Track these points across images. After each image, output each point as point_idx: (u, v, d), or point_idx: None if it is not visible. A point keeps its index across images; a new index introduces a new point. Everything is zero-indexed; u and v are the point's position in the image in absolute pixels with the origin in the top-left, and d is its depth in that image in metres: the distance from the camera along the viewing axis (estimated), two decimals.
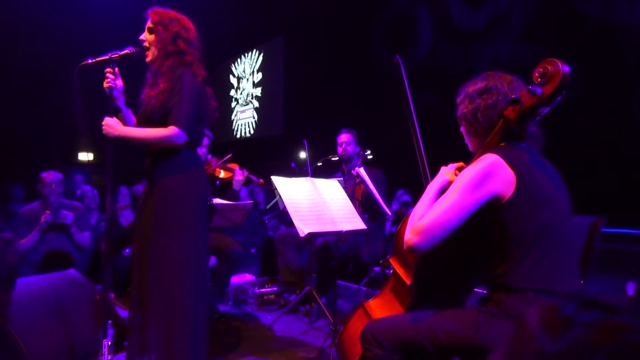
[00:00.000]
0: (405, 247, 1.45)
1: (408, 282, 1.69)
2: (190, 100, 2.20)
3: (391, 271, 1.86)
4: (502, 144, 1.51)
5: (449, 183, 1.61)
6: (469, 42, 4.95)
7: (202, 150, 3.67)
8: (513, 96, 1.44)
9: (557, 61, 1.37)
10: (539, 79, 1.40)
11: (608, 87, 3.81)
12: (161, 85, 2.23)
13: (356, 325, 1.85)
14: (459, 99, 1.63)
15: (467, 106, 1.57)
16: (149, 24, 2.31)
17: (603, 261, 2.51)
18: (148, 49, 2.31)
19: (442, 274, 1.69)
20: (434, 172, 1.74)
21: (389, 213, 3.36)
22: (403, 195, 4.77)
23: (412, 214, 1.54)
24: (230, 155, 3.86)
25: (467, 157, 1.64)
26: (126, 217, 5.00)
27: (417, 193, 1.73)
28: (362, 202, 3.80)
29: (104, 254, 2.21)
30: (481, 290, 1.92)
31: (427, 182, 1.92)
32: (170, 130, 2.16)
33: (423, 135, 2.00)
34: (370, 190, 3.36)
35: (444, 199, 1.44)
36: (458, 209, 1.40)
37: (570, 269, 1.45)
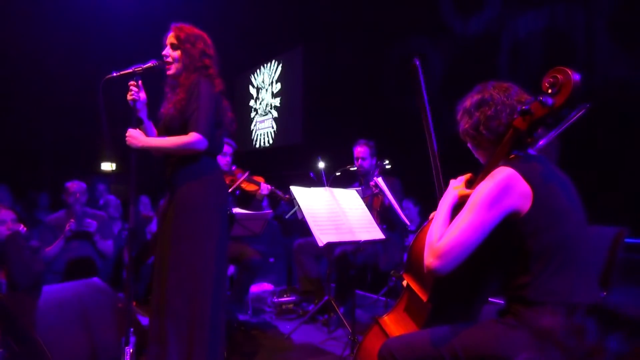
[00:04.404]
0: (426, 271, 1.43)
1: (424, 298, 1.67)
2: (209, 106, 2.25)
3: (405, 285, 1.84)
4: (512, 156, 1.49)
5: (460, 197, 1.60)
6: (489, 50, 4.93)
7: (225, 159, 3.73)
8: (524, 107, 1.41)
9: (568, 70, 1.34)
10: (549, 89, 1.36)
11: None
12: (180, 95, 2.29)
13: (372, 342, 1.84)
14: (458, 116, 1.61)
15: (467, 121, 1.56)
16: (172, 39, 2.36)
17: (627, 272, 2.46)
18: (171, 63, 2.36)
19: (458, 288, 1.66)
20: (449, 179, 1.72)
21: (408, 223, 3.36)
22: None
23: (428, 233, 1.51)
24: (246, 174, 3.89)
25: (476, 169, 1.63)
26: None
27: (433, 202, 1.72)
28: (380, 213, 3.80)
29: (127, 263, 2.26)
30: (496, 300, 1.91)
31: (440, 189, 1.91)
32: (192, 137, 2.21)
33: (440, 141, 1.98)
34: (389, 200, 3.35)
35: (461, 218, 1.42)
36: (476, 228, 1.38)
37: (588, 280, 1.43)
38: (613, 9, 3.76)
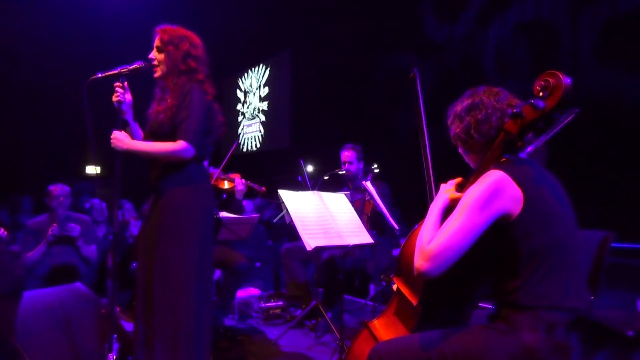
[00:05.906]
0: (415, 273, 1.43)
1: (414, 302, 1.66)
2: (199, 115, 2.22)
3: (395, 289, 1.83)
4: (503, 159, 1.49)
5: (450, 200, 1.59)
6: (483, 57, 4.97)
7: None
8: (515, 110, 1.41)
9: (559, 73, 1.35)
10: (540, 93, 1.37)
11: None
12: (169, 101, 2.26)
13: (361, 347, 1.82)
14: (449, 121, 1.62)
15: (458, 125, 1.57)
16: (157, 42, 2.33)
17: (613, 277, 2.48)
18: (157, 65, 2.33)
19: (449, 292, 1.66)
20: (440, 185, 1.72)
21: (397, 227, 3.35)
22: None
23: (419, 236, 1.50)
24: (218, 171, 3.80)
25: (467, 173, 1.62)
26: (137, 227, 5.00)
27: (422, 207, 1.72)
28: (371, 218, 3.79)
29: (110, 268, 2.21)
30: (486, 305, 1.90)
31: (433, 197, 1.91)
32: (179, 145, 2.18)
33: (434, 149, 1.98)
34: (377, 204, 3.35)
35: (452, 221, 1.41)
36: (466, 231, 1.37)
37: (578, 284, 1.43)
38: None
